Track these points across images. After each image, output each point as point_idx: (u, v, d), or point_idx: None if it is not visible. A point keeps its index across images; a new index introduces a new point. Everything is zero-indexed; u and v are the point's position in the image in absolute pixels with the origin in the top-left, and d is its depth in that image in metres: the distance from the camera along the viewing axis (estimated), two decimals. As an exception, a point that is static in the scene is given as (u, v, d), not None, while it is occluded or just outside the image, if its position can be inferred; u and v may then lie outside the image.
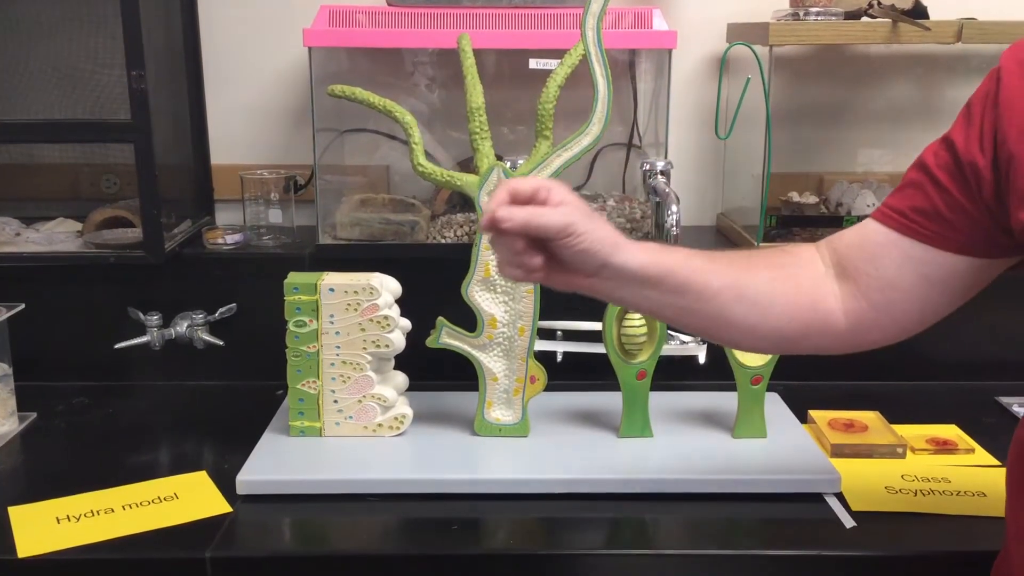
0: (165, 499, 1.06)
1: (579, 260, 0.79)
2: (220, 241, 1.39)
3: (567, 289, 0.84)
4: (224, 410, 1.32)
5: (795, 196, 1.47)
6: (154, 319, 1.36)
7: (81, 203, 1.46)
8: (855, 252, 0.85)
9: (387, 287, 1.18)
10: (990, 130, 0.77)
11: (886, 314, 0.83)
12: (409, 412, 1.20)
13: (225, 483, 1.09)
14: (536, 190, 0.79)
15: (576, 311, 1.28)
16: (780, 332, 0.84)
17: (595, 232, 0.78)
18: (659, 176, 1.27)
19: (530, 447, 1.17)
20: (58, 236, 1.40)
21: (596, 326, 1.20)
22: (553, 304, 1.20)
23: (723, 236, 1.51)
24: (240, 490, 1.07)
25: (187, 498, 1.07)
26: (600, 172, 1.48)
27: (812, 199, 1.47)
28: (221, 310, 1.37)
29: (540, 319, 1.17)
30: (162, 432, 1.27)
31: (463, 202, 1.39)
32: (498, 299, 1.17)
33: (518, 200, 0.78)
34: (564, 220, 0.77)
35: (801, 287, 0.84)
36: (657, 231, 1.30)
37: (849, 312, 0.84)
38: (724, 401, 1.24)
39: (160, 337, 1.36)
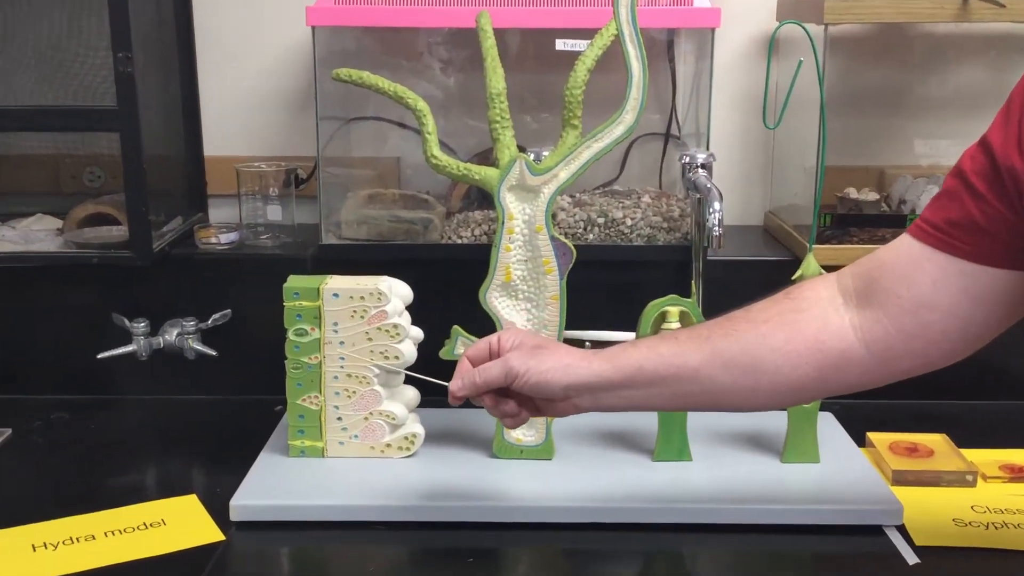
0: (151, 525, 1.07)
1: (542, 392, 0.92)
2: (213, 240, 1.40)
3: (559, 416, 0.97)
4: (217, 427, 1.33)
5: (853, 192, 1.46)
6: (140, 326, 1.37)
7: (61, 198, 1.47)
8: (885, 273, 0.86)
9: (397, 292, 1.18)
10: None
11: (921, 338, 0.84)
12: (420, 431, 1.20)
13: (217, 508, 1.09)
14: (488, 347, 0.96)
15: (606, 319, 1.28)
16: (788, 384, 0.87)
17: (539, 365, 0.92)
18: (700, 170, 1.27)
19: (555, 471, 1.17)
20: (36, 234, 1.41)
21: (629, 336, 1.20)
22: (581, 312, 1.20)
23: (771, 237, 1.50)
24: (234, 516, 1.08)
25: (176, 524, 1.07)
26: (634, 165, 1.48)
27: (872, 196, 1.46)
28: (214, 317, 1.38)
29: (566, 328, 1.18)
30: (149, 451, 1.28)
31: (481, 198, 1.39)
32: (520, 306, 1.18)
33: (476, 362, 0.96)
34: (502, 369, 0.93)
35: (799, 331, 0.87)
36: (697, 231, 1.30)
37: (873, 342, 0.86)
38: (772, 421, 1.23)
39: (147, 346, 1.37)
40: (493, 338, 0.97)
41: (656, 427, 1.18)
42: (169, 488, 1.16)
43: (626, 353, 0.91)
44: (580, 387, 0.91)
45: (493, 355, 0.96)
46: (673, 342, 0.91)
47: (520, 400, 0.96)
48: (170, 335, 1.37)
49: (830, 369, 0.87)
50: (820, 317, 0.87)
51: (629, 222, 1.36)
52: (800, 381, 0.87)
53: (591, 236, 1.36)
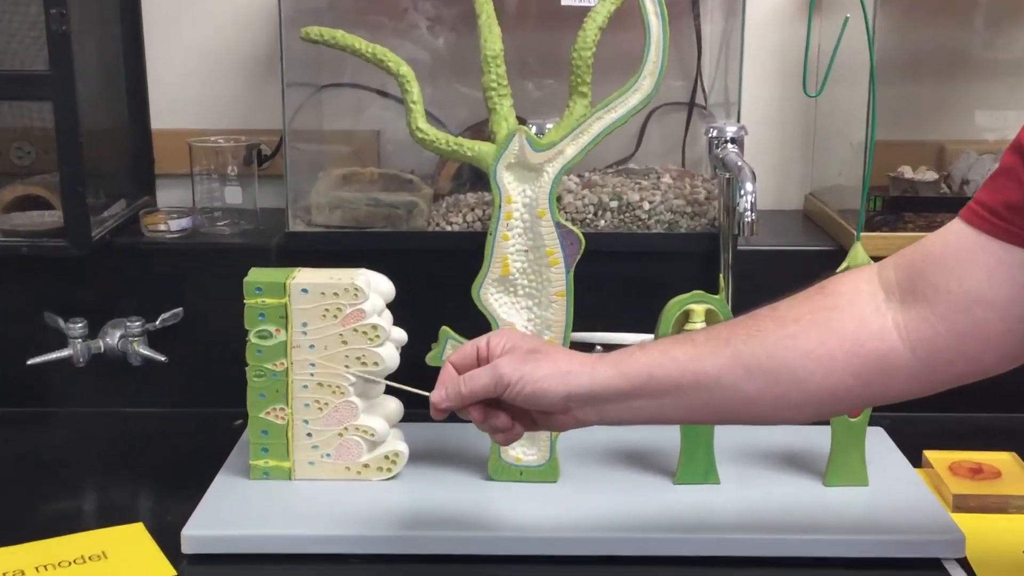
0: (90, 559, 1.07)
1: (538, 403, 0.93)
2: (162, 227, 1.40)
3: (559, 430, 0.99)
4: (167, 445, 1.33)
5: (907, 172, 1.46)
6: (78, 327, 1.36)
7: (-15, 179, 1.47)
8: (932, 264, 0.86)
9: (376, 288, 1.17)
10: None
11: (974, 338, 0.85)
12: (404, 449, 1.20)
13: (167, 538, 1.09)
14: (475, 351, 0.97)
15: (621, 319, 1.28)
16: (822, 393, 0.88)
17: (534, 372, 0.92)
18: (729, 145, 1.27)
19: (560, 495, 1.17)
20: (-44, 220, 1.41)
21: (646, 339, 1.19)
22: (591, 310, 1.20)
23: (812, 223, 1.50)
24: (186, 548, 1.07)
25: (119, 557, 1.07)
26: (653, 139, 1.48)
27: (930, 175, 1.46)
28: (164, 316, 1.38)
29: (574, 330, 1.18)
30: (87, 472, 1.28)
31: (475, 178, 1.38)
32: (520, 303, 1.18)
33: (462, 369, 0.96)
34: (491, 377, 0.93)
35: (834, 331, 0.88)
36: (726, 216, 1.30)
37: (919, 343, 0.86)
38: (813, 438, 1.23)
39: (85, 350, 1.36)
40: (481, 341, 0.98)
41: (678, 444, 1.18)
42: (111, 515, 1.15)
43: (634, 358, 0.92)
44: (582, 397, 0.92)
45: (481, 361, 0.97)
46: (689, 345, 0.91)
47: (514, 413, 0.96)
48: (112, 337, 1.37)
49: (871, 375, 0.87)
50: (858, 315, 0.88)
51: (647, 206, 1.36)
52: (836, 389, 0.88)
53: (603, 222, 1.36)
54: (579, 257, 1.16)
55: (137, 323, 1.37)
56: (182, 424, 1.37)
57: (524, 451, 1.19)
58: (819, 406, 0.91)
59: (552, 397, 0.92)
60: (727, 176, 1.27)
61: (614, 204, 1.36)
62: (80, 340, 1.37)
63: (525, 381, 0.92)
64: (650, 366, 0.91)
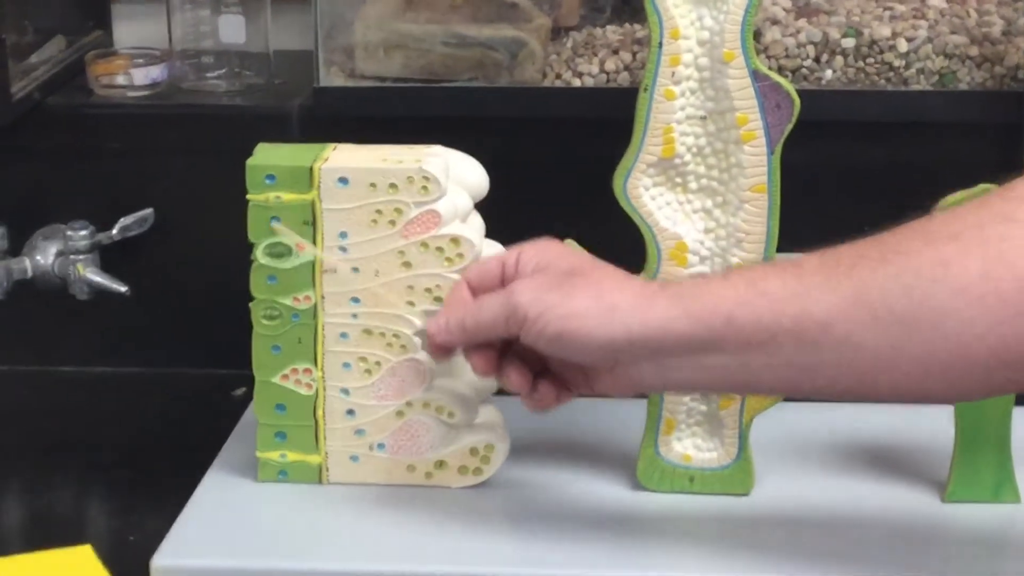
0: (10, 600, 1.09)
1: (568, 351, 0.98)
2: (122, 80, 1.43)
3: (611, 394, 1.04)
4: (129, 425, 1.36)
5: None
6: (-8, 238, 1.39)
7: None
8: None
9: (459, 177, 1.17)
10: None
11: None
12: (501, 440, 1.19)
13: (129, 570, 1.09)
14: (501, 269, 1.04)
15: (860, 232, 1.23)
16: (981, 352, 0.88)
17: (564, 304, 0.97)
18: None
19: (754, 517, 1.17)
20: None
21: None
22: (812, 216, 1.20)
23: None
24: (157, 585, 1.10)
25: (55, 597, 1.10)
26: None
27: None
28: (124, 222, 1.40)
29: (779, 248, 1.16)
30: (6, 464, 1.30)
31: (621, 0, 1.40)
32: (691, 203, 1.17)
33: (479, 290, 1.05)
34: (502, 307, 0.99)
35: (1007, 258, 0.88)
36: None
37: None
38: None
39: (5, 275, 1.39)
40: (511, 255, 1.04)
41: (949, 439, 1.17)
42: (44, 532, 1.17)
43: (709, 291, 0.96)
44: (631, 347, 0.95)
45: (507, 282, 1.02)
46: (792, 274, 0.94)
47: (541, 365, 1.02)
48: (45, 255, 1.39)
49: None
50: None
51: (903, 46, 1.35)
52: (1006, 347, 0.88)
53: (830, 73, 1.36)
54: (790, 128, 1.15)
55: (83, 232, 1.40)
56: (152, 393, 1.41)
57: (697, 445, 1.20)
58: (982, 376, 0.90)
59: (586, 343, 0.96)
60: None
61: (849, 43, 1.36)
62: (-5, 258, 1.39)
63: (548, 317, 0.96)
64: (731, 304, 0.93)
